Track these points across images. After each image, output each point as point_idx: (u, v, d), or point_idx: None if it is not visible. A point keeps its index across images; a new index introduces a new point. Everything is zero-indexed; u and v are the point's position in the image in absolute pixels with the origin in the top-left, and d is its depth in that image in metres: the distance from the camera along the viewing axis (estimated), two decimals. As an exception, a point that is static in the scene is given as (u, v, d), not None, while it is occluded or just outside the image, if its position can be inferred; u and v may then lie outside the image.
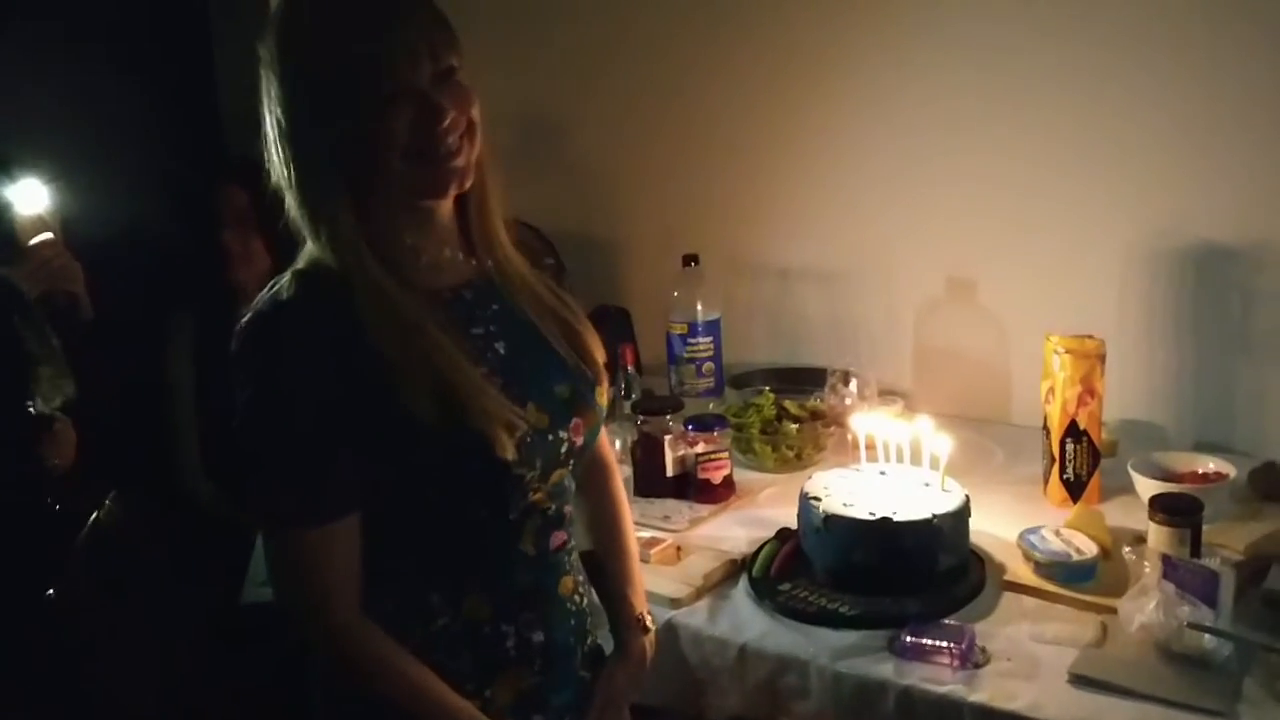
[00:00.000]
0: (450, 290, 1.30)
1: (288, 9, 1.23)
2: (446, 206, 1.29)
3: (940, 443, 1.72)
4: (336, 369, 1.18)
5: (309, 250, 1.24)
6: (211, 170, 2.49)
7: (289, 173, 1.22)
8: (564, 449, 1.30)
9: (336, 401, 1.17)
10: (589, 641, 1.40)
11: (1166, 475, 1.88)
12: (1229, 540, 1.70)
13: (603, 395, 1.39)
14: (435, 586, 1.26)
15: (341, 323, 1.19)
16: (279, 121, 1.21)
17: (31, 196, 2.00)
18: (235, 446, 1.21)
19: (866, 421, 1.86)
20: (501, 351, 1.30)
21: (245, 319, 1.22)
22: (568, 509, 1.36)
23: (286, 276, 1.24)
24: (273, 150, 1.23)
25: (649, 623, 1.49)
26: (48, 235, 1.99)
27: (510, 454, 1.21)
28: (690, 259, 2.45)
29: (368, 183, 1.22)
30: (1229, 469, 1.87)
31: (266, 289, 1.24)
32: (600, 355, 1.40)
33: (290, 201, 1.24)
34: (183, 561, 2.35)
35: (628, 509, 1.54)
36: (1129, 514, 1.83)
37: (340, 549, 1.21)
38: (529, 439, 1.25)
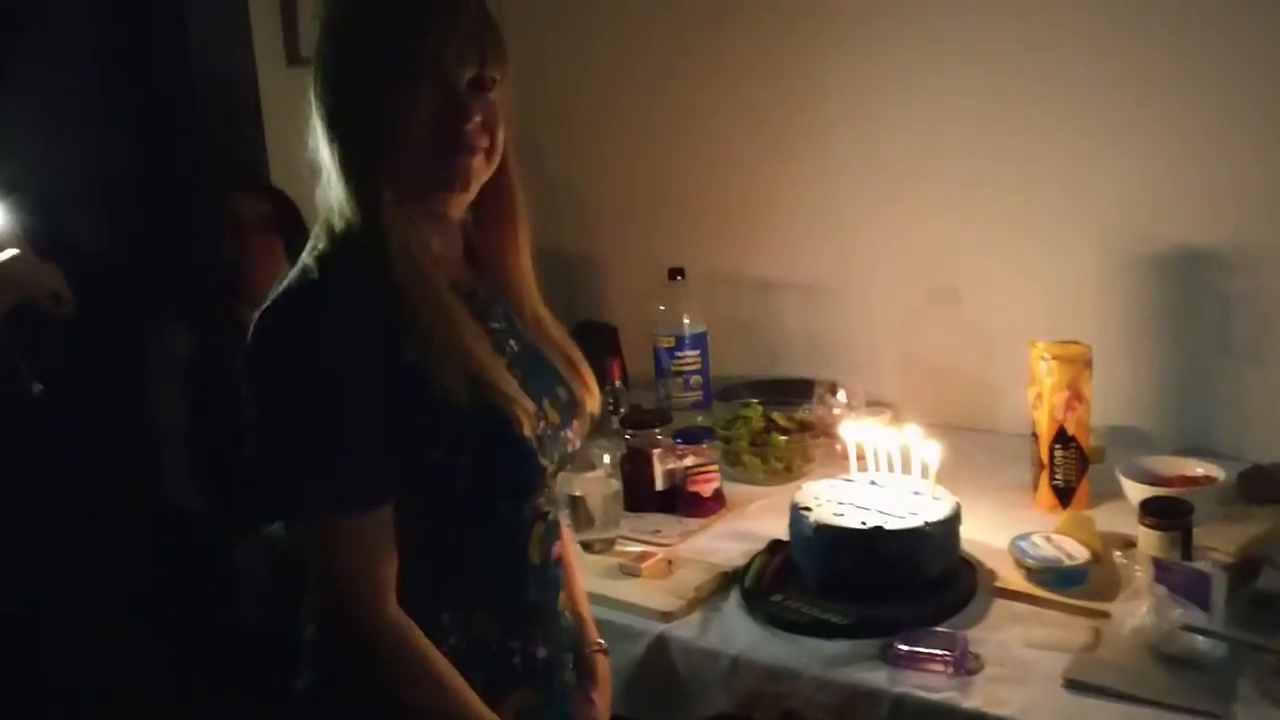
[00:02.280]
0: (465, 285, 1.31)
1: None
2: (458, 214, 1.31)
3: (930, 450, 1.72)
4: (371, 348, 1.16)
5: (329, 235, 1.23)
6: (220, 181, 2.50)
7: (334, 151, 1.21)
8: (569, 449, 1.35)
9: (373, 381, 1.16)
10: (573, 656, 1.42)
11: (1155, 480, 1.88)
12: (1218, 543, 1.70)
13: (593, 404, 1.41)
14: (446, 605, 1.25)
15: (372, 302, 1.18)
16: (326, 95, 1.22)
17: None
18: (265, 439, 1.17)
19: (856, 430, 1.86)
20: (515, 349, 1.33)
21: (269, 304, 1.19)
22: (560, 517, 1.39)
23: (307, 261, 1.22)
24: (317, 130, 1.23)
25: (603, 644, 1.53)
26: (12, 251, 2.01)
27: (532, 437, 1.24)
28: (676, 272, 2.45)
29: (394, 167, 1.22)
30: (1217, 472, 1.88)
31: (286, 277, 1.22)
32: (588, 372, 1.42)
33: (333, 181, 1.22)
34: (166, 572, 2.34)
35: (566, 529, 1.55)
36: (1118, 519, 1.82)
37: (387, 536, 1.19)
38: (547, 432, 1.28)
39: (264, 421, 1.17)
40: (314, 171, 1.25)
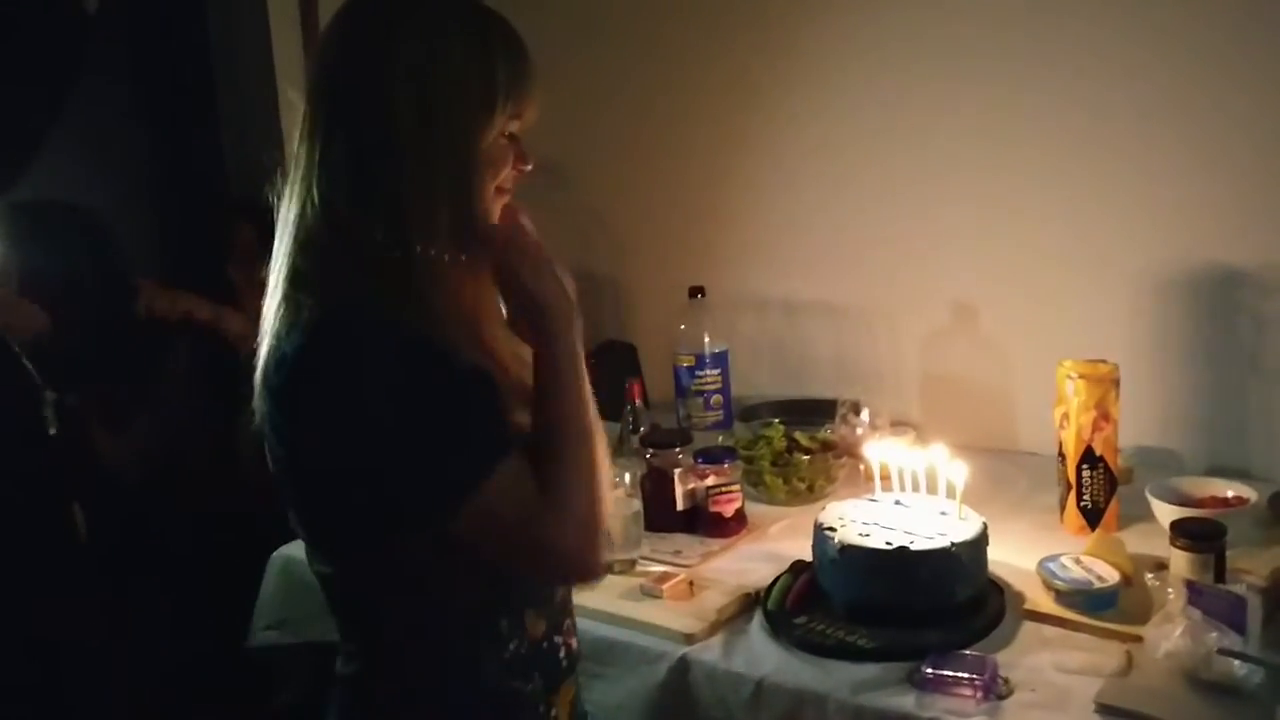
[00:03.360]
0: None
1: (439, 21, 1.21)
2: None
3: (956, 470, 1.69)
4: (441, 357, 1.16)
5: (336, 264, 1.18)
6: (216, 208, 2.51)
7: (393, 189, 1.18)
8: None
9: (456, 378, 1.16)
10: None
11: (1186, 501, 1.85)
12: (1251, 565, 1.67)
13: None
14: (502, 611, 1.26)
15: (421, 324, 1.17)
16: (401, 135, 1.18)
17: None
18: (368, 460, 1.13)
19: (881, 450, 1.84)
20: None
21: (314, 338, 1.14)
22: None
23: (319, 300, 1.16)
24: (360, 162, 1.18)
25: None
26: None
27: None
28: (697, 291, 2.44)
29: (455, 206, 1.22)
30: (1249, 493, 1.84)
31: (304, 321, 1.16)
32: None
33: (373, 214, 1.18)
34: (182, 607, 2.33)
35: None
36: (1148, 541, 1.80)
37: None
38: None
39: (362, 443, 1.13)
40: (324, 199, 1.18)
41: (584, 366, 1.25)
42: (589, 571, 1.25)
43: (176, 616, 2.31)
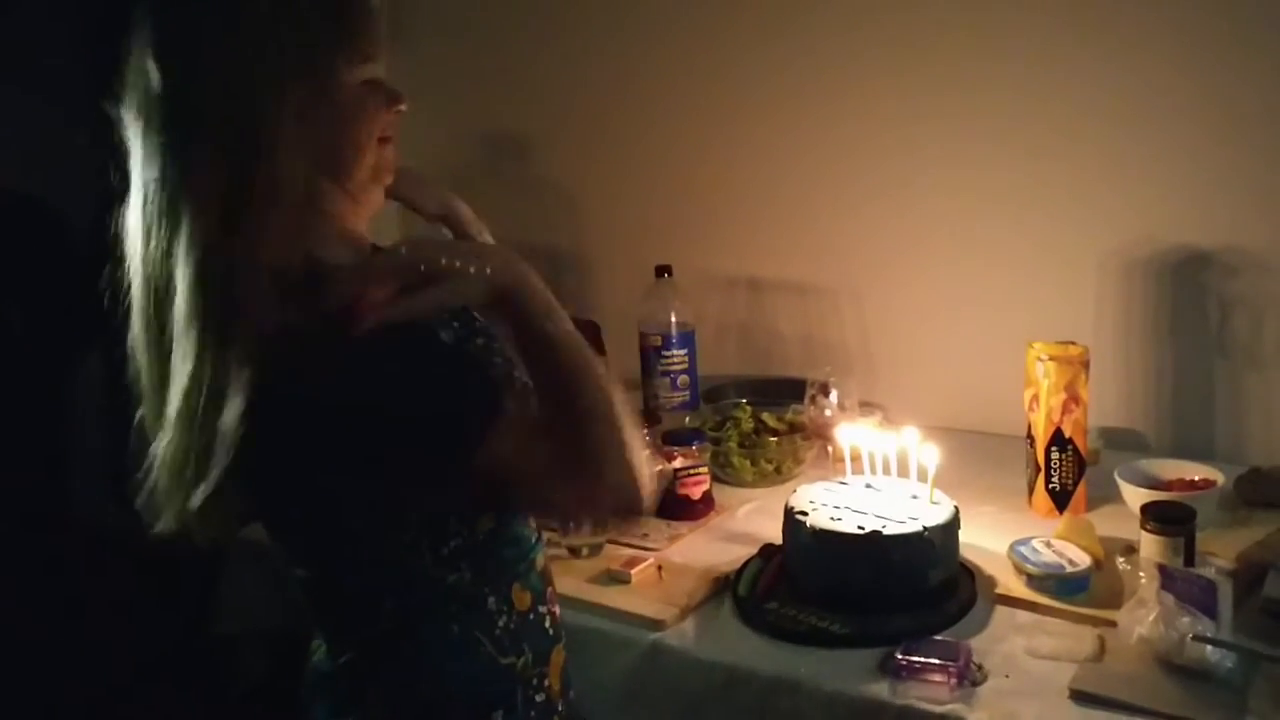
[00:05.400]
0: None
1: None
2: None
3: (928, 453, 1.68)
4: None
5: None
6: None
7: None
8: None
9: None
10: None
11: (1154, 483, 1.85)
12: (1219, 549, 1.68)
13: None
14: (489, 588, 1.25)
15: None
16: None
17: None
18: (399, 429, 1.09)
19: (851, 433, 1.82)
20: None
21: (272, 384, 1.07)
22: None
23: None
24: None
25: None
26: None
27: None
28: (663, 270, 2.40)
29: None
30: (1217, 476, 1.84)
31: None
32: None
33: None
34: (137, 592, 2.28)
35: None
36: (1116, 523, 1.79)
37: None
38: None
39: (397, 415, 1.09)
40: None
41: (569, 328, 1.18)
42: (633, 514, 1.21)
43: (135, 601, 2.26)
